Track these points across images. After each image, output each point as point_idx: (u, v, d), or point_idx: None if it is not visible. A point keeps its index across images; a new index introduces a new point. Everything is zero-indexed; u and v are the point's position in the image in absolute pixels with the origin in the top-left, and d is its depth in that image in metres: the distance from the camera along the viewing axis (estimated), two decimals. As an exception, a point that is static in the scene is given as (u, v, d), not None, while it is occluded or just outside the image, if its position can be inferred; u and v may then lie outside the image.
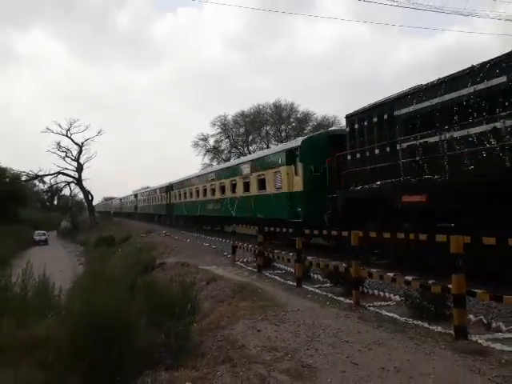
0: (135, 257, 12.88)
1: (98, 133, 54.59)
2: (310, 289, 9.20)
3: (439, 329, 5.85)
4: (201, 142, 54.55)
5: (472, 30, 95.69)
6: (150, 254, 15.12)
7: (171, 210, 35.88)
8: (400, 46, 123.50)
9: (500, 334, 5.65)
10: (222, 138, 54.30)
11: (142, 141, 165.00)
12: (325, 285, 9.52)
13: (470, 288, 5.52)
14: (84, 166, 55.22)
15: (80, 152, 54.69)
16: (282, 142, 40.94)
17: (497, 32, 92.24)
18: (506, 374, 4.31)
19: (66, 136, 54.07)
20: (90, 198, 58.55)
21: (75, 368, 4.75)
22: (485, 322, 6.05)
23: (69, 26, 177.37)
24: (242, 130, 53.47)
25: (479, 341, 5.29)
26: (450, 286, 5.60)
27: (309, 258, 11.35)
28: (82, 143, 54.60)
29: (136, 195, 55.97)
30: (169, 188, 36.68)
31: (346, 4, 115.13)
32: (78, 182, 55.79)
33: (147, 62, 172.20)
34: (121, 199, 73.24)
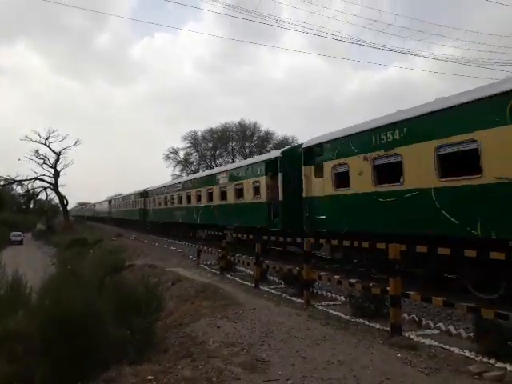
0: (105, 258, 12.45)
1: (76, 142, 52.72)
2: (267, 289, 9.20)
3: (378, 326, 5.97)
4: (171, 155, 54.49)
5: (411, 66, 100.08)
6: (119, 256, 14.66)
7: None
8: (352, 77, 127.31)
9: (429, 330, 5.83)
10: (192, 151, 54.18)
11: (118, 152, 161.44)
12: (280, 286, 9.54)
13: (405, 290, 5.69)
14: (60, 173, 53.20)
15: (57, 160, 52.62)
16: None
17: (432, 69, 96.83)
18: (432, 365, 4.45)
19: (45, 144, 51.95)
20: (65, 202, 56.36)
21: (43, 362, 4.51)
22: (416, 319, 6.23)
23: (52, 42, 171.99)
24: (210, 144, 53.53)
25: (411, 336, 5.44)
26: (388, 288, 5.75)
27: (266, 261, 11.37)
28: (60, 152, 52.59)
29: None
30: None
31: (306, 37, 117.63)
32: (54, 187, 53.59)
33: (125, 80, 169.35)
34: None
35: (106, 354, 4.87)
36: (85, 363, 4.71)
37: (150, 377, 4.47)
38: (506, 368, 4.29)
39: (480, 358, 4.59)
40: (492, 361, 4.48)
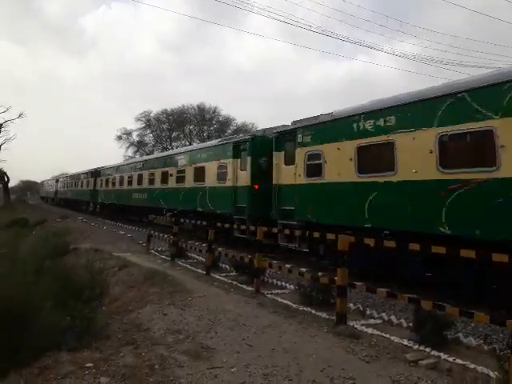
0: (47, 240, 11.91)
1: (20, 115, 49.58)
2: (218, 277, 9.23)
3: (324, 315, 6.18)
4: (124, 136, 52.68)
5: (374, 60, 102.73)
6: (63, 238, 14.07)
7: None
8: (318, 67, 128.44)
9: (372, 320, 6.12)
10: (146, 132, 52.71)
11: (66, 129, 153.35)
12: (231, 274, 9.61)
13: (351, 281, 5.92)
14: (1, 148, 49.93)
15: (-4, 132, 49.27)
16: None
17: (394, 66, 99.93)
18: (373, 353, 4.68)
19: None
20: (6, 179, 53.14)
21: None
22: (361, 309, 6.51)
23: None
24: (165, 126, 52.31)
25: (355, 326, 5.67)
26: (335, 278, 5.94)
27: (219, 248, 11.38)
28: (1, 124, 49.30)
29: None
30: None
31: (276, 24, 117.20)
32: (-8, 162, 50.24)
33: (76, 52, 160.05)
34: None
35: (41, 341, 4.69)
36: (16, 350, 4.51)
37: (89, 364, 4.36)
38: (440, 356, 4.59)
39: (417, 346, 4.89)
40: (428, 349, 4.78)
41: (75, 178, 41.18)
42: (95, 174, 32.96)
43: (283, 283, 8.60)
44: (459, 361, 4.45)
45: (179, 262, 11.11)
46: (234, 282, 8.61)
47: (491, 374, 4.13)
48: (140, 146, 52.66)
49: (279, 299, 7.24)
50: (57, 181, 51.82)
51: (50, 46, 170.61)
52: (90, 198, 34.24)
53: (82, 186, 37.52)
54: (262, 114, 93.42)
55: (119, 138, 52.87)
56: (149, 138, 53.12)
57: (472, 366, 4.33)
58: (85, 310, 5.57)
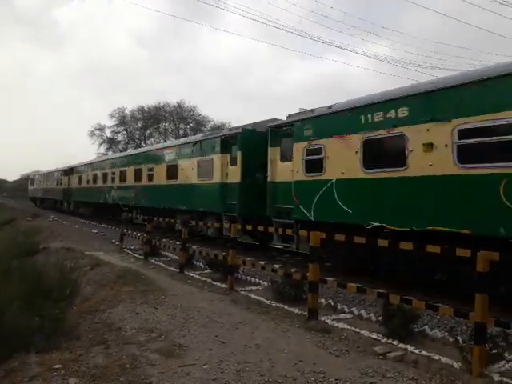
0: (16, 240, 11.56)
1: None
2: (192, 275, 9.19)
3: (296, 310, 6.24)
4: (97, 132, 51.38)
5: (347, 60, 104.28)
6: (33, 237, 13.69)
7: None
8: (295, 67, 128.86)
9: (343, 314, 6.23)
10: (120, 129, 51.61)
11: (39, 124, 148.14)
12: (206, 271, 9.57)
13: (323, 276, 6.01)
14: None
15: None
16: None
17: (365, 66, 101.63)
18: (343, 347, 4.77)
19: None
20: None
21: None
22: (332, 304, 6.62)
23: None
24: (140, 123, 51.40)
25: (327, 321, 5.76)
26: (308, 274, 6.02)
27: (193, 246, 11.34)
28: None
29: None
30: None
31: (250, 23, 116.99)
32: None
33: (48, 45, 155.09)
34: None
35: (8, 343, 4.56)
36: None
37: (57, 365, 4.27)
38: (407, 349, 4.73)
39: (385, 339, 5.01)
40: (396, 342, 4.91)
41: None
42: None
43: (257, 280, 8.64)
44: (425, 353, 4.59)
45: (153, 261, 10.99)
46: (208, 280, 8.60)
47: (455, 364, 4.28)
48: (112, 143, 51.56)
49: (253, 296, 7.27)
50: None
51: (21, 38, 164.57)
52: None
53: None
54: (238, 112, 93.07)
55: (92, 133, 51.54)
56: (122, 135, 52.11)
57: (437, 357, 4.48)
58: (54, 310, 5.45)
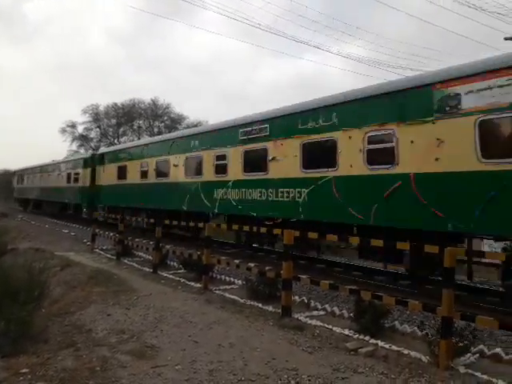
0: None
1: None
2: (165, 275, 9.08)
3: (270, 308, 6.27)
4: (69, 129, 49.96)
5: (323, 60, 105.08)
6: (0, 238, 13.20)
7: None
8: (269, 65, 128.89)
9: (316, 311, 6.29)
10: (93, 126, 50.39)
11: (7, 122, 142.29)
12: (180, 271, 9.48)
13: (297, 274, 6.04)
14: None
15: None
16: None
17: (342, 67, 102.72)
18: (315, 344, 4.81)
19: None
20: None
21: None
22: (306, 302, 6.67)
23: None
24: (113, 121, 50.35)
25: (300, 318, 5.80)
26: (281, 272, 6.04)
27: (167, 246, 11.19)
28: None
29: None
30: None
31: (228, 21, 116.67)
32: None
33: (18, 40, 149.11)
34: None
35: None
36: None
37: (24, 370, 4.13)
38: (377, 344, 4.82)
39: (357, 335, 5.09)
40: (367, 338, 5.00)
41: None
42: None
43: (232, 279, 8.62)
44: (394, 347, 4.69)
45: (125, 261, 10.81)
46: (182, 280, 8.51)
47: (423, 358, 4.39)
48: (84, 140, 50.28)
49: (227, 295, 7.25)
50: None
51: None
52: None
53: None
54: (215, 110, 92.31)
55: (63, 130, 50.04)
56: (95, 132, 50.89)
57: (406, 351, 4.58)
58: (21, 313, 5.27)
